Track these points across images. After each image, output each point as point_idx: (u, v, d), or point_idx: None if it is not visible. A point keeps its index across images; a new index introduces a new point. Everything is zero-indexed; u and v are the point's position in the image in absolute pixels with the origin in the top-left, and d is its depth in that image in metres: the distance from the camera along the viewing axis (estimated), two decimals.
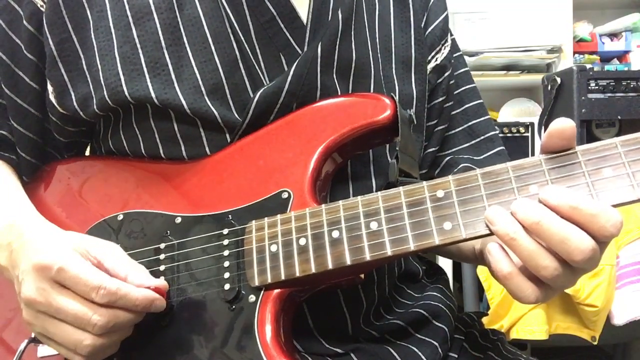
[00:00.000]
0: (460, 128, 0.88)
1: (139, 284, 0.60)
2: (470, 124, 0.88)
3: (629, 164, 0.53)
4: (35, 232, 0.65)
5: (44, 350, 0.69)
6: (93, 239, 0.65)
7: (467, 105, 0.89)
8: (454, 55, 0.88)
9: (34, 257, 0.59)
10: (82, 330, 0.58)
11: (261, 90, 0.69)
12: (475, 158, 0.86)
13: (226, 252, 0.65)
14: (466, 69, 0.91)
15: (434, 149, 0.86)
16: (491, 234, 0.55)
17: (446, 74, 0.85)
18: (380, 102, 0.68)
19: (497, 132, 0.89)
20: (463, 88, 0.89)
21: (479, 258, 0.76)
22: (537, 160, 0.56)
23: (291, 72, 0.69)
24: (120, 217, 0.70)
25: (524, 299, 0.56)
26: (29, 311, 0.60)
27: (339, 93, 0.73)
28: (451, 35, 0.88)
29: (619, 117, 1.75)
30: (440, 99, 0.85)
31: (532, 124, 1.86)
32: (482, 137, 0.88)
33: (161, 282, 0.62)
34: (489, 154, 0.87)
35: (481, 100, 0.90)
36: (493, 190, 0.56)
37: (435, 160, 0.87)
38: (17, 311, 0.72)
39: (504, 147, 0.88)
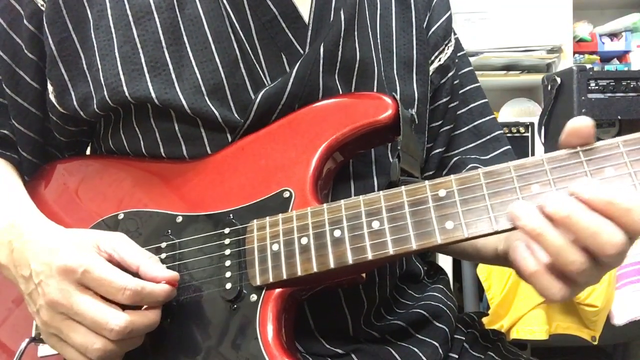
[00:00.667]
0: (466, 128, 0.88)
1: (152, 277, 0.60)
2: (475, 123, 0.88)
3: (631, 164, 0.53)
4: (36, 231, 0.65)
5: (44, 350, 0.68)
6: (100, 233, 0.65)
7: (472, 105, 0.88)
8: (458, 54, 0.88)
9: (56, 259, 0.59)
10: (95, 334, 0.58)
11: (263, 91, 0.69)
12: (482, 158, 0.86)
13: (227, 252, 0.64)
14: (470, 68, 0.91)
15: (440, 149, 0.86)
16: (495, 232, 0.55)
17: (450, 74, 0.85)
18: (382, 102, 0.68)
19: (503, 131, 0.89)
20: (467, 87, 0.89)
21: (502, 259, 0.75)
22: (539, 159, 0.56)
23: (293, 73, 0.69)
24: (121, 216, 0.70)
25: (551, 296, 0.55)
26: (49, 312, 0.60)
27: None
28: (455, 34, 0.88)
29: (619, 117, 1.75)
30: (445, 99, 0.85)
31: (532, 124, 1.86)
32: (488, 137, 0.87)
33: (172, 273, 0.62)
34: (495, 153, 0.86)
35: (486, 100, 0.90)
36: (495, 190, 0.56)
37: (442, 161, 0.87)
38: (14, 310, 0.73)
39: (510, 147, 0.88)
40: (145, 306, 0.60)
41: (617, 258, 0.52)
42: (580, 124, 0.54)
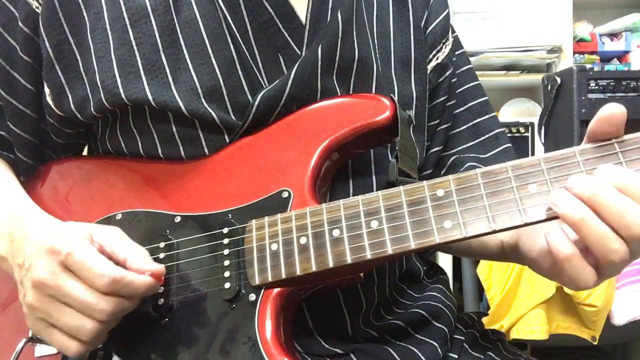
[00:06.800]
0: (465, 127, 0.87)
1: (137, 269, 0.60)
2: (474, 122, 0.87)
3: (627, 164, 0.54)
4: (37, 223, 0.65)
5: (41, 350, 0.68)
6: (96, 225, 0.65)
7: (471, 104, 0.88)
8: (456, 53, 0.87)
9: (45, 241, 0.60)
10: (84, 316, 0.58)
11: (262, 93, 0.69)
12: (480, 156, 0.85)
13: (226, 251, 0.64)
14: (469, 66, 0.90)
15: (437, 148, 0.85)
16: (493, 232, 0.55)
17: (447, 73, 0.85)
18: (380, 103, 0.68)
19: (503, 129, 0.88)
20: (466, 86, 0.88)
21: (507, 252, 0.74)
22: (536, 159, 0.56)
23: (292, 75, 0.69)
24: (119, 216, 0.70)
25: (584, 282, 0.55)
26: (36, 295, 0.60)
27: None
28: (453, 33, 0.88)
29: None
30: (442, 98, 0.85)
31: (532, 124, 1.86)
32: (487, 135, 0.87)
33: (158, 266, 0.61)
34: (494, 151, 0.86)
35: (486, 98, 0.89)
36: (492, 190, 0.56)
37: (440, 160, 0.86)
38: (11, 310, 0.73)
39: (510, 145, 0.87)
40: None
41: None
42: (613, 110, 0.54)
